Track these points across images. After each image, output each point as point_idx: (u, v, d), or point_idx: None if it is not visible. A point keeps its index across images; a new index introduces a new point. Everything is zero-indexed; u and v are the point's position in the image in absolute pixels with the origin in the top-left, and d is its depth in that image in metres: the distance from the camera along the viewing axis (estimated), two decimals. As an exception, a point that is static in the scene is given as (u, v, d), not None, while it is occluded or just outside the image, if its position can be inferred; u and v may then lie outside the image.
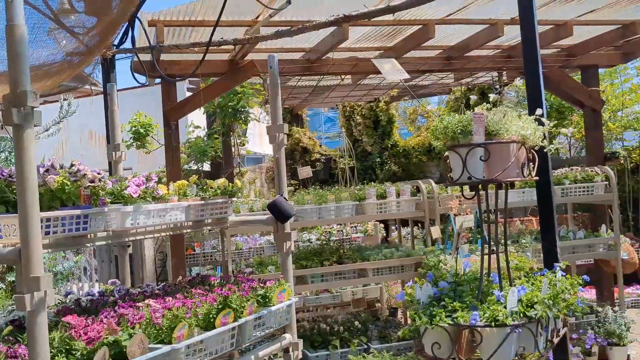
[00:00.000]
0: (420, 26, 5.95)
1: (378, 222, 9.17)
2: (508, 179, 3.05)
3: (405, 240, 8.60)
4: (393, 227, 11.18)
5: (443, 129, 3.03)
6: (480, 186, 3.26)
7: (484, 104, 3.09)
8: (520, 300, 2.93)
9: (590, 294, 7.87)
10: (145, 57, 5.52)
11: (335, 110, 18.12)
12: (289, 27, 4.83)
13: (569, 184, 6.42)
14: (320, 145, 13.53)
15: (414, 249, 6.66)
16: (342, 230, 8.53)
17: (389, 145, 12.76)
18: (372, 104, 12.52)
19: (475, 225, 5.42)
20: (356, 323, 6.45)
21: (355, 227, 9.04)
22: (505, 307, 2.88)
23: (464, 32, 6.40)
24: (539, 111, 3.28)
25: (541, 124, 3.19)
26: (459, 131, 2.96)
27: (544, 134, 3.23)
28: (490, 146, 2.96)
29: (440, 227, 6.46)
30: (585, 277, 3.56)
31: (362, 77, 7.81)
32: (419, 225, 8.90)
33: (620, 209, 9.26)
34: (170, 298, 3.42)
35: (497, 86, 8.11)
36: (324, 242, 7.15)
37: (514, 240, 6.35)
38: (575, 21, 6.15)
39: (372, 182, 8.00)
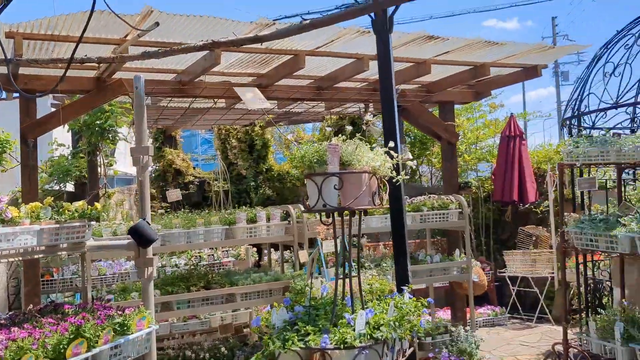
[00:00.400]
0: (291, 56, 6.14)
1: (250, 246, 9.19)
2: (360, 207, 3.24)
3: (277, 264, 8.69)
4: (266, 251, 11.24)
5: (300, 158, 3.17)
6: (336, 213, 3.42)
7: (340, 135, 3.27)
8: (368, 323, 3.10)
9: (447, 314, 8.42)
10: (2, 69, 5.21)
11: (212, 132, 17.97)
12: (158, 49, 4.78)
13: (427, 210, 6.87)
14: (194, 168, 13.33)
15: (283, 273, 6.76)
16: (213, 255, 8.45)
17: (264, 170, 12.86)
18: (247, 127, 12.58)
19: (342, 250, 5.62)
20: (223, 349, 6.40)
21: (227, 251, 8.99)
22: (354, 330, 3.03)
23: (333, 64, 6.69)
24: (391, 144, 3.52)
25: (391, 156, 3.43)
26: (315, 160, 3.11)
27: (395, 165, 3.47)
28: (344, 175, 3.13)
29: (309, 251, 6.62)
30: (429, 299, 3.82)
31: (236, 101, 7.87)
32: (291, 249, 9.04)
33: (475, 235, 10.04)
34: (17, 328, 3.24)
35: (371, 114, 8.53)
36: (191, 266, 7.05)
37: (377, 264, 6.66)
38: (433, 60, 6.66)
39: (246, 206, 8.02)
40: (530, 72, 7.37)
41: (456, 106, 9.13)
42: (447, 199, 7.13)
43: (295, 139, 14.47)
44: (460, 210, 7.07)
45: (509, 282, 9.47)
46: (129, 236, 3.97)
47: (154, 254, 4.12)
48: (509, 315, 9.30)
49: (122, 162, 12.77)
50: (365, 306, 3.39)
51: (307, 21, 3.87)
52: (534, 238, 9.52)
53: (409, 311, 3.33)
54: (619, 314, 5.10)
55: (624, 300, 5.61)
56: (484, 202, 10.35)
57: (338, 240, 3.48)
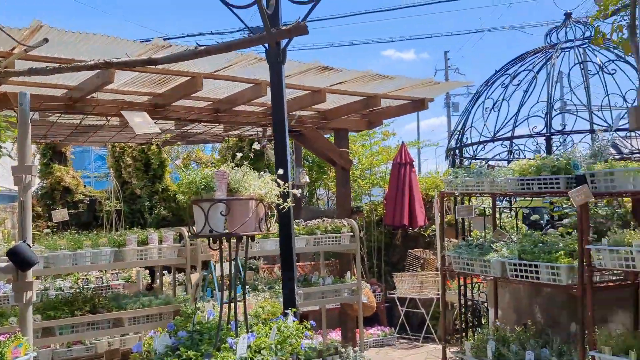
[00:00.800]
0: (188, 78, 6.14)
1: (143, 269, 8.94)
2: (247, 233, 3.31)
3: (169, 287, 8.51)
4: (159, 274, 10.95)
5: (188, 184, 3.20)
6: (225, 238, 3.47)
7: (228, 162, 3.35)
8: (249, 347, 3.16)
9: (340, 335, 8.61)
10: None
11: (107, 149, 17.30)
12: (47, 65, 4.64)
13: (320, 234, 7.05)
14: (85, 186, 12.79)
15: (175, 297, 6.65)
16: (101, 277, 8.15)
17: (160, 189, 12.57)
18: (144, 146, 12.29)
19: (239, 273, 5.65)
20: (108, 375, 6.17)
21: (117, 273, 8.69)
22: (236, 354, 3.08)
23: (231, 88, 6.76)
24: (280, 171, 3.63)
25: (278, 185, 3.54)
26: (202, 187, 3.16)
27: (282, 192, 3.58)
28: (231, 202, 3.21)
29: (202, 274, 6.56)
30: (312, 322, 3.95)
31: (131, 120, 7.70)
32: (184, 271, 8.90)
33: (367, 257, 10.37)
34: None
35: (266, 141, 8.64)
36: (77, 290, 6.77)
37: (270, 287, 6.73)
38: (328, 89, 6.91)
39: (140, 227, 7.81)
40: (418, 104, 7.82)
41: (352, 133, 9.47)
42: (340, 222, 7.36)
43: (193, 160, 14.29)
44: (352, 233, 7.32)
45: (398, 303, 9.84)
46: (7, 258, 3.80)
47: (36, 277, 3.96)
48: (397, 335, 9.64)
49: (6, 178, 12.01)
50: (251, 330, 3.45)
51: (202, 47, 3.94)
52: (421, 261, 9.98)
53: (290, 334, 3.43)
54: (492, 334, 5.48)
55: (497, 320, 6.05)
56: (376, 225, 10.73)
57: (225, 265, 3.53)
